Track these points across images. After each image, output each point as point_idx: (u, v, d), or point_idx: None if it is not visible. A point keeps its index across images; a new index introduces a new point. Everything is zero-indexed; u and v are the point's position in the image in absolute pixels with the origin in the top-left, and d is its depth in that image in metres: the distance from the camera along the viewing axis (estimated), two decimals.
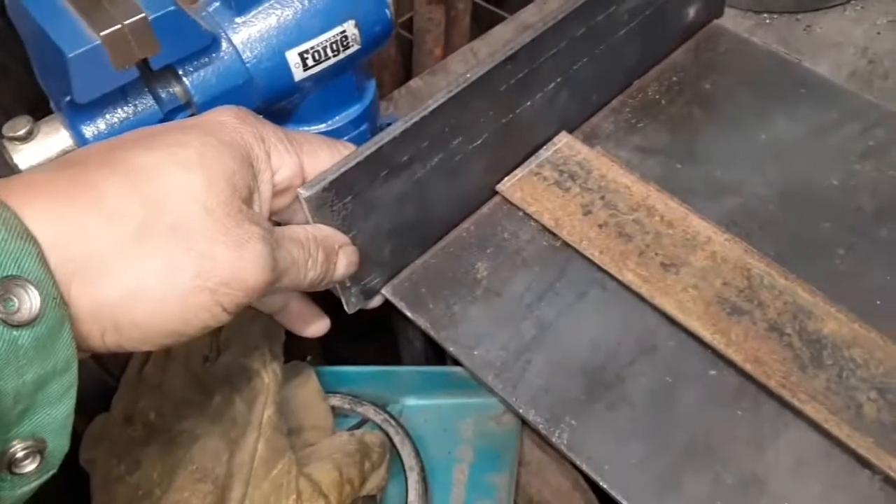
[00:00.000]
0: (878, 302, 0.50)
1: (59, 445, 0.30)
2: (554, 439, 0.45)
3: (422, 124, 0.46)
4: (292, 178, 0.40)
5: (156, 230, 0.31)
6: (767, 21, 0.70)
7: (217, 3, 0.44)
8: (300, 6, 0.44)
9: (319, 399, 0.60)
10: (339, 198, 0.43)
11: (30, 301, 0.27)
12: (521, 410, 0.46)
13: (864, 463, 0.43)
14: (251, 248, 0.34)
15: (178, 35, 0.39)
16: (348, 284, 0.48)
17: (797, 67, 0.65)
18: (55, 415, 0.29)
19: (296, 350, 0.78)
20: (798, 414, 0.45)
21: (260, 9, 0.44)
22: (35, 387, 0.27)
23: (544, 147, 0.58)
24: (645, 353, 0.48)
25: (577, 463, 0.44)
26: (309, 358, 0.75)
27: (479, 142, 0.51)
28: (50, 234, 0.29)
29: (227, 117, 0.37)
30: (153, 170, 0.32)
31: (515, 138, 0.55)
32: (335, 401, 0.62)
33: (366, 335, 0.72)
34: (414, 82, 0.66)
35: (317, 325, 0.50)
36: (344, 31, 0.46)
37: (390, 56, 0.76)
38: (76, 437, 0.56)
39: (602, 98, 0.62)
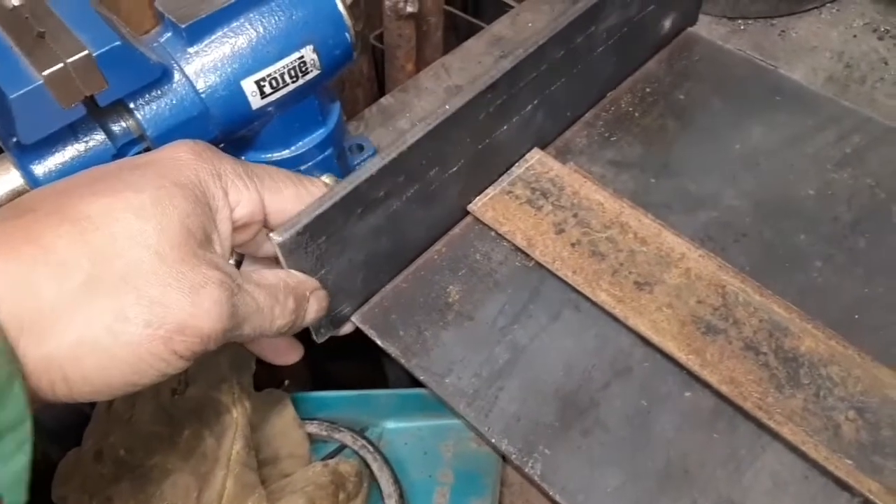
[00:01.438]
0: (857, 316, 0.49)
1: (14, 500, 0.29)
2: (527, 470, 0.44)
3: (399, 160, 0.45)
4: (252, 214, 0.39)
5: (105, 280, 0.31)
6: (742, 27, 0.70)
7: (169, 34, 0.42)
8: (255, 33, 0.43)
9: (295, 427, 0.59)
10: (313, 239, 0.42)
11: None
12: (493, 440, 0.45)
13: (843, 486, 0.42)
14: (206, 294, 0.33)
15: (125, 70, 0.38)
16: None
17: (772, 74, 0.64)
18: (8, 471, 0.28)
19: (274, 375, 0.77)
20: (775, 436, 0.44)
21: (213, 38, 0.43)
22: None
23: (516, 164, 0.57)
24: (619, 376, 0.47)
25: (551, 494, 0.43)
26: (287, 383, 0.74)
27: (454, 169, 0.50)
28: None
29: (182, 153, 0.36)
30: (103, 217, 0.32)
31: (490, 160, 0.54)
32: (312, 428, 0.61)
33: (351, 353, 0.71)
34: (385, 100, 0.65)
35: (288, 356, 0.49)
36: (302, 57, 0.45)
37: (363, 72, 0.75)
38: (53, 469, 0.55)
39: (575, 112, 0.61)
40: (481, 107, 0.48)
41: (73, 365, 0.30)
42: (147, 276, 0.31)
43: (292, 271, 0.42)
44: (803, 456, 0.43)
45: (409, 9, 0.64)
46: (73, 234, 0.31)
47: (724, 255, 0.52)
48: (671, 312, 0.48)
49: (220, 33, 0.43)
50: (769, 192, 0.56)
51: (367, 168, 0.43)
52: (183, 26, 0.41)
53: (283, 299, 0.39)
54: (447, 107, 0.46)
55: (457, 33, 1.00)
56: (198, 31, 0.42)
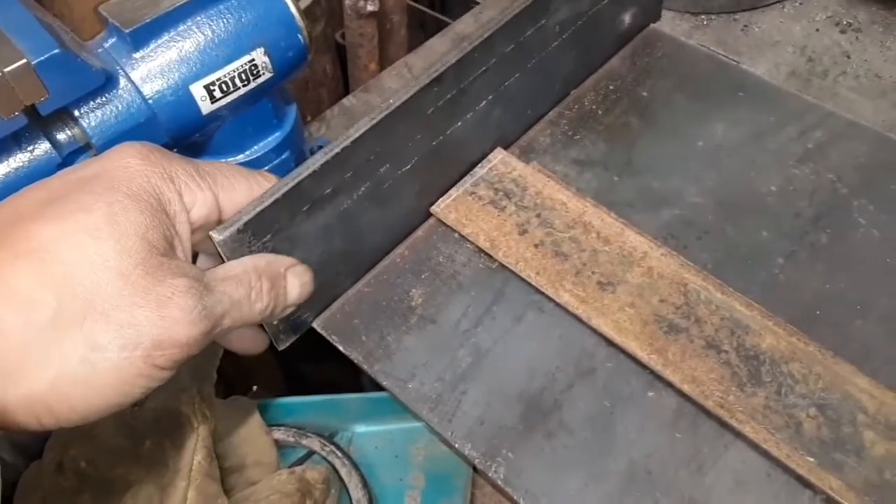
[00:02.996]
0: (818, 312, 0.49)
1: None
2: (491, 474, 0.44)
3: (343, 155, 0.44)
4: (208, 215, 0.38)
5: (71, 311, 0.30)
6: (705, 22, 0.69)
7: (113, 39, 0.41)
8: (203, 37, 0.42)
9: (262, 434, 0.58)
10: (256, 237, 0.41)
11: None
12: (456, 445, 0.45)
13: (805, 483, 0.42)
14: (176, 304, 0.32)
15: (66, 78, 0.37)
16: (275, 321, 0.46)
17: (735, 70, 0.64)
18: None
19: (243, 380, 0.76)
20: (737, 434, 0.44)
21: (159, 42, 0.42)
22: None
23: (479, 165, 0.56)
24: (583, 377, 0.47)
25: (515, 497, 0.43)
26: (255, 388, 0.74)
27: (408, 166, 0.50)
28: None
29: (130, 159, 0.34)
30: (59, 244, 0.30)
31: (448, 159, 0.54)
32: (279, 434, 0.60)
33: (324, 354, 0.71)
34: (347, 100, 0.64)
35: (255, 344, 0.47)
36: (253, 60, 0.44)
37: (327, 72, 0.75)
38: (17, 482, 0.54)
39: (537, 111, 0.61)
40: (428, 101, 0.48)
41: (57, 400, 0.30)
42: (113, 300, 0.30)
43: (262, 253, 0.41)
44: (765, 454, 0.43)
45: (370, 7, 0.63)
46: (31, 268, 0.30)
47: (687, 253, 0.52)
48: (634, 312, 0.48)
49: (166, 37, 0.42)
50: (732, 189, 0.56)
51: (309, 164, 0.42)
52: (127, 31, 0.41)
53: (256, 283, 0.38)
54: (391, 101, 0.45)
55: (424, 30, 0.99)
56: (143, 36, 0.41)
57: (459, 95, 0.50)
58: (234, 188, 0.39)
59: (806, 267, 0.52)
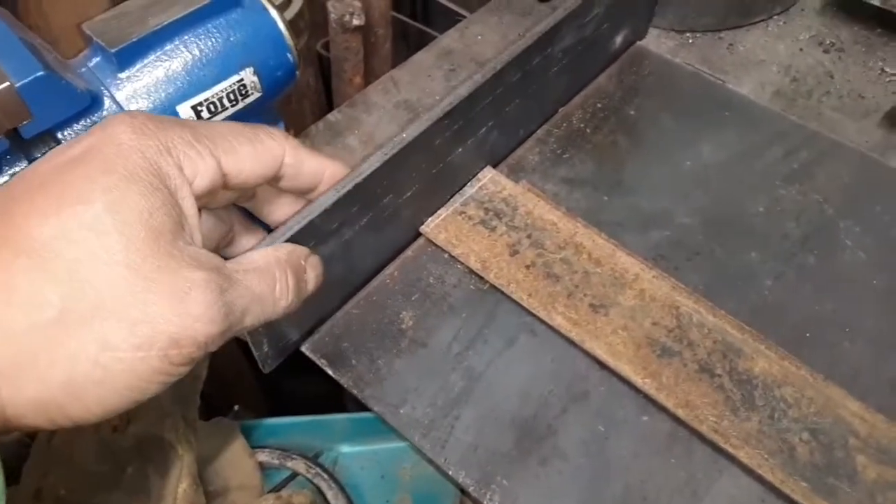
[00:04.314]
0: (808, 334, 0.50)
1: None
2: (485, 502, 0.43)
3: (355, 192, 0.43)
4: (212, 183, 0.34)
5: (79, 312, 0.28)
6: (690, 41, 0.70)
7: (98, 59, 0.40)
8: (190, 57, 0.41)
9: (245, 456, 0.57)
10: None
11: None
12: (450, 472, 0.44)
13: None
14: (193, 300, 0.29)
15: (49, 100, 0.36)
16: (263, 344, 0.45)
17: (721, 89, 0.65)
18: None
19: (225, 400, 0.75)
20: (732, 459, 0.44)
21: (145, 62, 0.40)
22: None
23: (469, 184, 0.56)
24: (576, 401, 0.47)
25: None
26: (237, 408, 0.72)
27: (409, 194, 0.49)
28: None
29: (122, 134, 0.31)
30: (60, 241, 0.28)
31: (444, 183, 0.53)
32: (263, 456, 0.59)
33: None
34: (332, 115, 0.63)
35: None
36: (242, 80, 0.43)
37: (310, 84, 0.74)
38: None
39: (528, 130, 0.60)
40: (438, 133, 0.47)
41: (70, 401, 0.28)
42: (123, 297, 0.28)
43: (278, 244, 0.38)
44: (759, 479, 0.43)
45: (356, 21, 0.62)
46: (33, 268, 0.28)
47: (678, 275, 0.51)
48: (626, 335, 0.48)
49: (152, 57, 0.41)
50: (720, 210, 0.56)
51: (322, 202, 0.41)
52: (113, 51, 0.39)
53: (282, 276, 0.35)
54: (404, 135, 0.45)
55: (407, 42, 0.99)
56: (129, 56, 0.40)
57: (465, 125, 0.50)
58: (236, 151, 0.35)
59: (794, 288, 0.52)
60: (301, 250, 0.39)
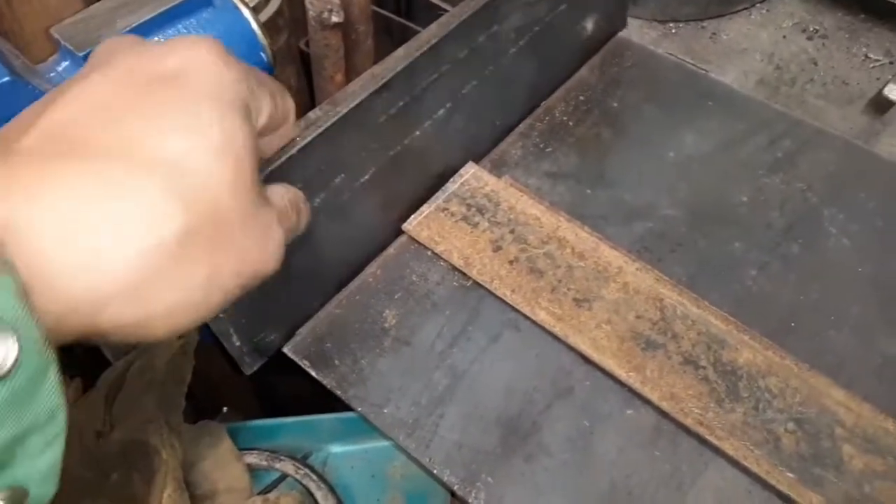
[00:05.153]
0: (792, 323, 0.49)
1: (42, 493, 0.26)
2: (471, 500, 0.43)
3: (289, 166, 0.43)
4: (262, 126, 0.33)
5: (201, 232, 0.27)
6: (673, 31, 0.69)
7: (66, 62, 0.40)
8: None
9: (233, 459, 0.57)
10: None
11: (2, 350, 0.22)
12: (435, 471, 0.44)
13: (786, 499, 0.42)
14: (272, 237, 0.30)
15: (16, 106, 0.35)
16: (237, 343, 0.45)
17: (704, 79, 0.64)
18: (38, 466, 0.25)
19: (213, 402, 0.74)
20: (717, 451, 0.43)
21: None
22: (11, 443, 0.23)
23: (451, 180, 0.56)
24: (561, 397, 0.46)
25: None
26: (225, 410, 0.72)
27: (365, 177, 0.48)
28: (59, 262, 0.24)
29: (213, 60, 0.29)
30: (186, 160, 0.27)
31: (410, 170, 0.52)
32: (251, 458, 0.59)
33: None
34: (313, 113, 0.63)
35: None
36: None
37: (291, 83, 0.73)
38: None
39: (507, 122, 0.60)
40: (378, 108, 0.47)
41: (163, 323, 0.27)
42: (232, 223, 0.28)
43: (284, 184, 0.37)
44: (745, 470, 0.43)
45: (335, 19, 0.62)
46: (159, 180, 0.26)
47: (661, 266, 0.51)
48: (610, 329, 0.48)
49: None
50: (703, 200, 0.56)
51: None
52: (80, 54, 0.39)
53: (294, 216, 0.35)
54: (338, 109, 0.44)
55: (391, 36, 0.98)
56: None
57: (413, 103, 0.49)
58: (276, 99, 0.34)
59: (779, 278, 0.52)
60: (300, 193, 0.38)
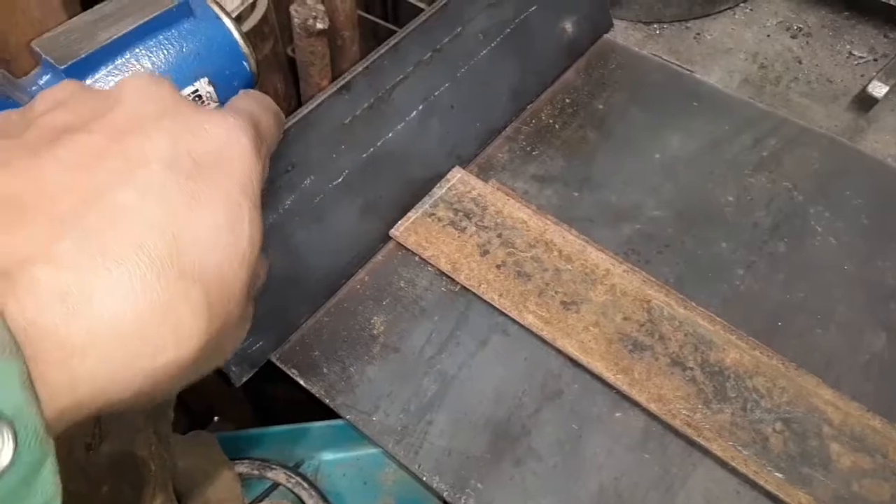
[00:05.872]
0: (780, 323, 0.49)
1: None
2: None
3: None
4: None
5: (215, 340, 0.26)
6: (658, 31, 0.70)
7: (48, 76, 0.39)
8: (142, 70, 0.40)
9: (224, 469, 0.57)
10: None
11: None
12: (424, 478, 0.44)
13: (774, 499, 0.42)
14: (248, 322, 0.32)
15: None
16: None
17: (689, 79, 0.64)
18: None
19: (205, 411, 0.74)
20: (705, 452, 0.44)
21: (96, 77, 0.40)
22: None
23: (438, 185, 0.56)
24: (550, 400, 0.46)
25: None
26: (216, 419, 0.72)
27: (339, 180, 0.48)
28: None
29: (247, 150, 0.28)
30: (218, 272, 0.26)
31: (389, 173, 0.52)
32: (243, 468, 0.59)
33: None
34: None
35: None
36: (197, 91, 0.42)
37: (279, 91, 0.73)
38: None
39: (492, 125, 0.60)
40: (341, 109, 0.47)
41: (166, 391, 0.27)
42: (237, 327, 0.29)
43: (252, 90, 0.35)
44: (734, 471, 0.43)
45: (320, 25, 0.62)
46: (197, 299, 0.25)
47: (648, 268, 0.51)
48: (598, 331, 0.48)
49: (103, 72, 0.40)
50: (690, 201, 0.56)
51: None
52: (62, 67, 0.39)
53: (267, 111, 0.33)
54: (301, 110, 0.45)
55: (378, 40, 0.98)
56: (78, 72, 0.39)
57: (379, 104, 0.50)
58: (279, 133, 0.34)
59: (766, 277, 0.52)
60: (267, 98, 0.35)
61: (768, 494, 0.42)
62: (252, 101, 0.33)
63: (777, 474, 0.42)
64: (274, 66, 0.72)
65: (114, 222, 0.24)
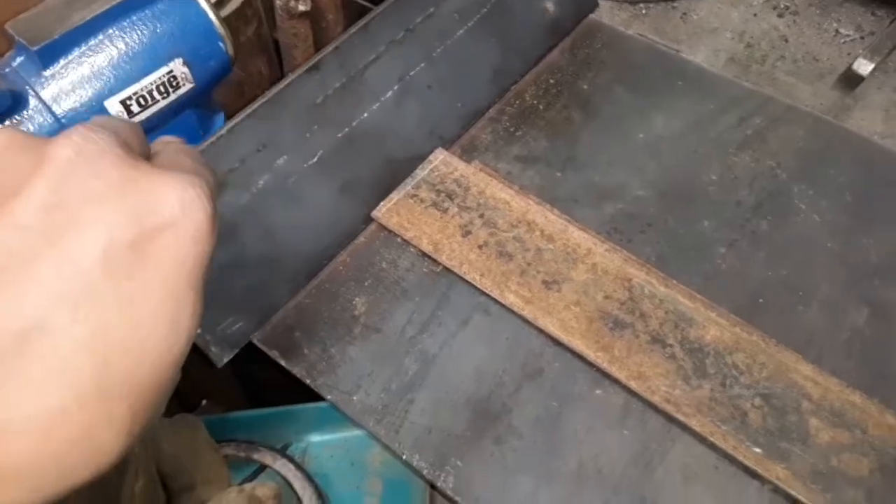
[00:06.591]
0: (761, 300, 0.49)
1: None
2: (439, 483, 0.43)
3: (222, 144, 0.43)
4: None
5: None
6: (644, 11, 0.69)
7: (21, 58, 0.40)
8: (116, 51, 0.40)
9: (210, 451, 0.57)
10: None
11: None
12: (404, 456, 0.44)
13: (752, 474, 0.42)
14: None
15: None
16: (198, 331, 0.45)
17: (674, 59, 0.64)
18: None
19: (195, 393, 0.74)
20: (684, 428, 0.44)
21: (69, 59, 0.40)
22: None
23: (420, 166, 0.55)
24: (530, 378, 0.47)
25: None
26: (204, 402, 0.72)
27: (314, 160, 0.48)
28: None
29: (205, 231, 0.24)
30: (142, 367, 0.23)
31: (368, 153, 0.52)
32: (229, 450, 0.59)
33: None
34: None
35: None
36: (171, 71, 0.43)
37: (263, 73, 0.73)
38: None
39: (475, 106, 0.60)
40: (312, 89, 0.47)
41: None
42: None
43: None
44: (712, 446, 0.43)
45: (302, 7, 0.62)
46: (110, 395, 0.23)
47: (631, 247, 0.51)
48: (579, 310, 0.48)
49: (76, 53, 0.40)
50: (673, 180, 0.56)
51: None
52: (34, 49, 0.39)
53: (207, 166, 0.28)
54: (271, 90, 0.45)
55: None
56: (51, 53, 0.39)
57: (352, 83, 0.50)
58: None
59: (748, 255, 0.52)
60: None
61: (747, 469, 0.42)
62: (193, 157, 0.27)
63: (755, 449, 0.42)
64: (257, 49, 0.72)
65: (36, 347, 0.21)
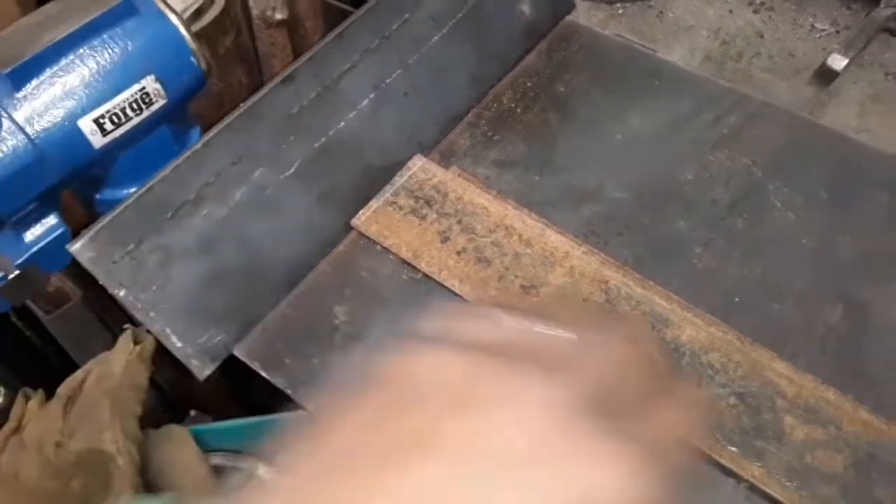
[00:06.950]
0: (737, 298, 0.50)
1: None
2: None
3: (197, 158, 0.44)
4: None
5: None
6: (620, 11, 0.70)
7: None
8: (87, 70, 0.41)
9: (198, 461, 0.57)
10: (117, 247, 0.41)
11: None
12: None
13: (728, 473, 0.42)
14: None
15: None
16: (178, 344, 0.45)
17: (650, 59, 0.64)
18: None
19: (185, 403, 0.75)
20: None
21: (41, 80, 0.40)
22: None
23: (398, 173, 0.56)
24: None
25: None
26: (193, 413, 0.72)
27: (290, 171, 0.49)
28: None
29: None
30: None
31: (346, 162, 0.52)
32: (217, 460, 0.59)
33: None
34: None
35: None
36: (144, 88, 0.43)
37: (243, 84, 0.73)
38: None
39: (453, 111, 0.60)
40: (286, 100, 0.47)
41: None
42: None
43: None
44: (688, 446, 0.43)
45: (279, 16, 0.62)
46: None
47: (608, 250, 0.52)
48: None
49: (48, 73, 0.40)
50: (650, 181, 0.56)
51: (161, 170, 0.42)
52: (5, 72, 0.39)
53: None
54: (245, 103, 0.46)
55: None
56: (23, 75, 0.40)
57: (327, 93, 0.50)
58: None
59: (723, 254, 0.52)
60: None
61: (723, 469, 0.43)
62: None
63: (731, 448, 0.43)
64: (237, 59, 0.72)
65: None
